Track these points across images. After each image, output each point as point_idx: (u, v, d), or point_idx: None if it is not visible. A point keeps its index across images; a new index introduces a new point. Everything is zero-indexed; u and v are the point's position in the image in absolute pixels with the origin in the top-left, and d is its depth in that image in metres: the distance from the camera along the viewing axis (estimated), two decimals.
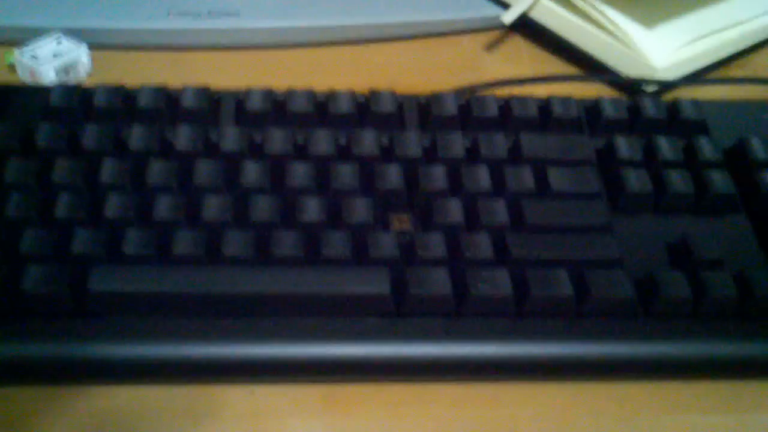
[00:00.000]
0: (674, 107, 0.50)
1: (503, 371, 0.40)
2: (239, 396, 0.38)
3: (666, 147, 0.47)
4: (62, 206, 0.41)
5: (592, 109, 0.50)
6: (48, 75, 0.53)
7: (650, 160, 0.47)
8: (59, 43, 0.54)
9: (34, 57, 0.53)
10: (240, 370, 0.38)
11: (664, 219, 0.46)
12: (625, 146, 0.47)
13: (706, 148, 0.48)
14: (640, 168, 0.46)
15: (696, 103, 0.50)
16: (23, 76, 0.54)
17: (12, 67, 0.54)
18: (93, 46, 0.55)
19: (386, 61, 0.60)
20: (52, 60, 0.53)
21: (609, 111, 0.49)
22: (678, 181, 0.46)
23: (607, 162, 0.47)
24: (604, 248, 0.42)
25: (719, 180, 0.46)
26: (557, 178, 0.45)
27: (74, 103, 0.46)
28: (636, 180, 0.46)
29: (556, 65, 0.61)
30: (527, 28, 0.62)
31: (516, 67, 0.60)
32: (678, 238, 0.44)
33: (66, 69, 0.54)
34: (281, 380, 0.39)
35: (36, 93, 0.48)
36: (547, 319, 0.40)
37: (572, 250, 0.42)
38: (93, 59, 0.55)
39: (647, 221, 0.45)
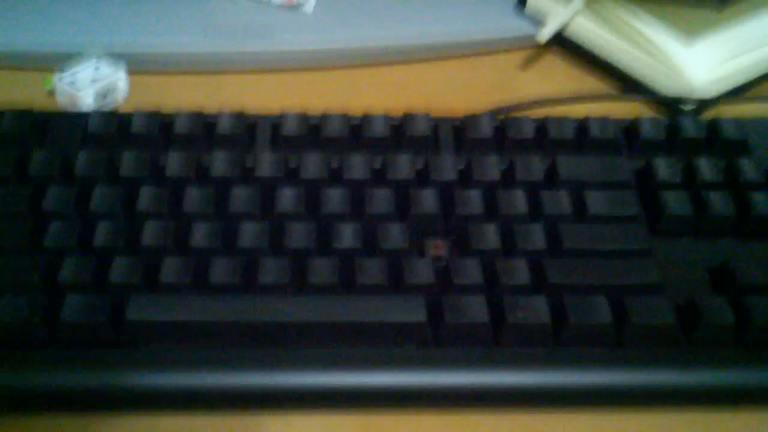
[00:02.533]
0: (714, 126, 0.49)
1: (541, 401, 0.39)
2: (276, 425, 0.38)
3: (706, 168, 0.47)
4: (100, 235, 0.41)
5: (630, 129, 0.49)
6: (86, 100, 0.53)
7: (690, 181, 0.46)
8: (97, 68, 0.55)
9: (72, 83, 0.54)
10: (277, 399, 0.38)
11: (706, 242, 0.45)
12: (664, 167, 0.47)
13: (748, 169, 0.47)
14: (679, 190, 0.46)
15: (737, 122, 0.49)
16: (62, 102, 0.54)
17: (51, 93, 0.55)
18: (130, 70, 0.56)
19: (420, 81, 0.59)
20: (90, 85, 0.54)
21: (647, 131, 0.49)
22: (719, 203, 0.45)
23: (645, 184, 0.47)
24: (644, 273, 0.42)
25: (762, 201, 0.45)
26: (595, 201, 0.44)
27: (112, 129, 0.47)
28: (676, 202, 0.45)
29: (591, 83, 0.60)
30: (562, 45, 0.62)
31: (551, 86, 0.59)
32: (720, 262, 0.43)
33: (104, 94, 0.54)
34: (318, 410, 0.39)
35: (74, 119, 0.49)
36: (585, 347, 0.40)
37: (611, 276, 0.41)
38: (130, 83, 0.55)
39: (688, 245, 0.45)
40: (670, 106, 0.57)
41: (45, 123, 0.48)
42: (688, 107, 0.57)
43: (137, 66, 0.57)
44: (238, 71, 0.59)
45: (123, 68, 0.55)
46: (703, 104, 0.57)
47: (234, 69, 0.59)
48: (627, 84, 0.59)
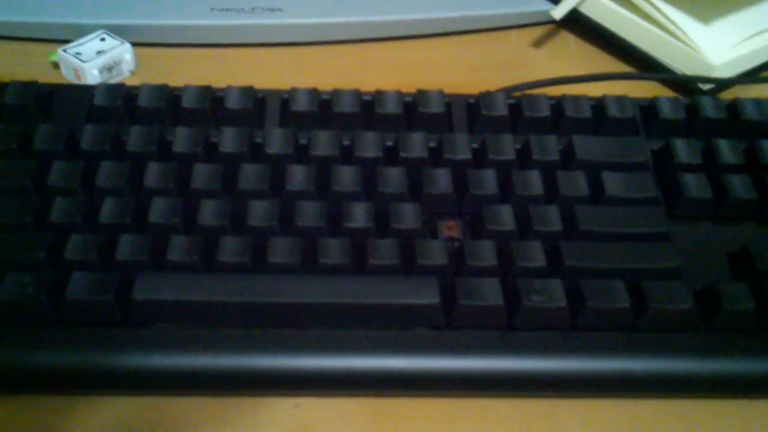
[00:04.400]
0: (734, 107, 0.48)
1: (556, 387, 0.38)
2: (284, 409, 0.38)
3: (726, 150, 0.46)
4: (107, 211, 0.40)
5: (648, 109, 0.48)
6: (92, 73, 0.52)
7: (710, 163, 0.45)
8: (103, 40, 0.54)
9: (78, 54, 0.53)
10: (285, 381, 0.37)
11: (725, 226, 0.44)
12: (683, 149, 0.46)
13: None
14: (699, 172, 0.45)
15: (758, 103, 0.48)
16: (67, 74, 0.53)
17: (56, 65, 0.54)
18: (136, 44, 0.55)
19: (432, 58, 0.58)
20: (95, 58, 0.53)
21: (666, 111, 0.47)
22: (739, 186, 0.44)
23: (664, 165, 0.46)
24: (662, 257, 0.41)
25: None
26: (612, 183, 0.43)
27: (118, 103, 0.46)
28: (695, 185, 0.44)
29: (606, 62, 0.59)
30: (577, 23, 0.60)
31: (566, 65, 0.58)
32: (740, 246, 0.42)
33: (109, 67, 0.53)
34: (327, 393, 0.38)
35: (80, 92, 0.48)
36: (602, 332, 0.39)
37: (628, 260, 0.41)
38: (136, 56, 0.54)
39: (707, 229, 0.44)
40: (688, 86, 0.56)
41: (50, 95, 0.47)
42: (706, 87, 0.56)
43: (144, 39, 0.56)
44: (247, 45, 0.57)
45: (129, 41, 0.54)
46: (722, 84, 0.56)
47: (243, 42, 0.57)
48: (643, 63, 0.58)
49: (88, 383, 0.37)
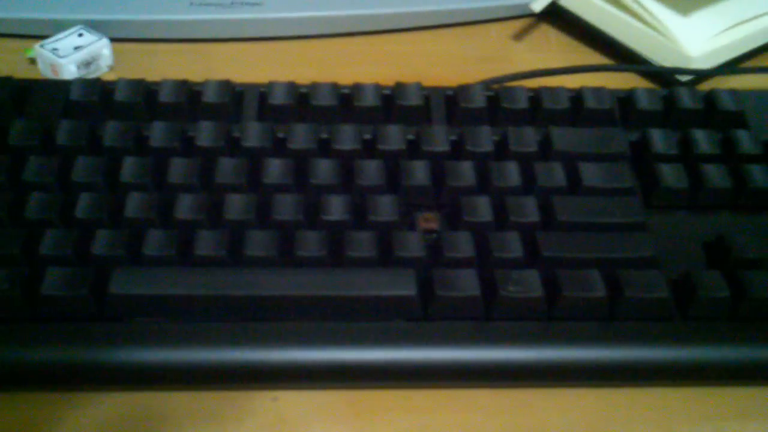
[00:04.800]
0: (711, 98, 0.48)
1: (534, 376, 0.38)
2: (263, 402, 0.38)
3: (703, 140, 0.46)
4: (83, 206, 0.40)
5: (626, 100, 0.48)
6: (69, 69, 0.52)
7: (686, 153, 0.46)
8: (80, 35, 0.54)
9: (55, 50, 0.52)
10: (263, 375, 0.37)
11: (701, 216, 0.44)
12: (660, 139, 0.46)
13: (745, 141, 0.46)
14: (675, 162, 0.45)
15: (734, 93, 0.48)
16: (44, 70, 0.53)
17: (33, 61, 0.53)
18: (114, 39, 0.54)
19: (412, 51, 0.58)
20: (73, 53, 0.52)
21: (643, 102, 0.48)
22: (715, 175, 0.44)
23: (641, 156, 0.46)
24: (639, 247, 0.41)
25: (759, 174, 0.44)
26: (589, 174, 0.44)
27: (95, 98, 0.45)
28: (671, 175, 0.44)
29: (586, 55, 0.59)
30: (557, 16, 0.60)
31: (545, 57, 0.58)
32: (715, 235, 0.42)
33: (87, 62, 0.53)
34: (305, 386, 0.38)
35: (56, 87, 0.47)
36: (579, 322, 0.39)
37: (605, 249, 0.41)
38: (114, 52, 0.54)
39: (683, 218, 0.44)
40: (666, 78, 0.56)
41: (25, 91, 0.47)
42: (684, 79, 0.56)
43: (122, 34, 0.56)
44: (226, 40, 0.57)
45: (107, 36, 0.54)
46: (699, 76, 0.56)
47: (221, 38, 0.57)
48: (622, 55, 0.58)
49: (65, 379, 0.37)
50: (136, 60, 0.55)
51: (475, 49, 0.59)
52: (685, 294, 0.40)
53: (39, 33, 0.54)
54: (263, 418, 0.37)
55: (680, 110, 0.47)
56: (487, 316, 0.39)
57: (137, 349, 0.37)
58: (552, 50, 0.60)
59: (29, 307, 0.37)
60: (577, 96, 0.48)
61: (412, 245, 0.40)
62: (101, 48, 0.53)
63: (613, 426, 0.38)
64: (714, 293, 0.39)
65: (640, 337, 0.39)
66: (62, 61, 0.52)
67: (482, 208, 0.42)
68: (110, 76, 0.54)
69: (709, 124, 0.47)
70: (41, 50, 0.52)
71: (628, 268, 0.40)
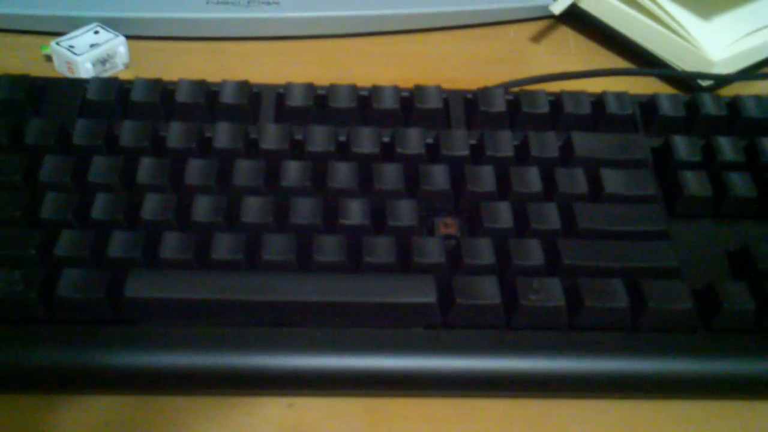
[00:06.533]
0: (735, 104, 0.47)
1: (554, 387, 0.38)
2: (278, 408, 0.37)
3: (727, 147, 0.45)
4: (99, 207, 0.40)
5: (648, 105, 0.48)
6: (85, 66, 0.52)
7: (710, 160, 0.45)
8: (96, 33, 0.53)
9: (71, 47, 0.52)
10: (278, 381, 0.37)
11: (725, 225, 0.43)
12: (683, 146, 0.45)
13: None
14: (698, 169, 0.44)
15: (759, 100, 0.48)
16: (60, 68, 0.52)
17: (49, 58, 0.53)
18: (130, 37, 0.54)
19: (429, 52, 0.58)
20: (89, 51, 0.52)
21: (666, 108, 0.47)
22: (740, 183, 0.43)
23: (663, 163, 0.45)
24: (661, 256, 0.40)
25: None
26: (611, 180, 0.43)
27: (111, 97, 0.45)
28: (694, 182, 0.43)
29: (605, 58, 0.58)
30: (577, 18, 0.60)
31: (564, 60, 0.58)
32: (740, 245, 0.42)
33: (103, 60, 0.52)
34: (321, 393, 0.38)
35: (73, 86, 0.47)
36: (600, 332, 0.38)
37: (627, 258, 0.40)
38: (130, 50, 0.54)
39: (706, 227, 0.43)
40: (687, 82, 0.56)
41: (42, 89, 0.46)
42: (705, 83, 0.55)
43: (139, 31, 0.55)
44: (243, 38, 0.57)
45: (124, 34, 0.53)
46: (721, 81, 0.55)
47: (238, 36, 0.57)
48: (642, 59, 0.57)
49: (79, 382, 0.37)
50: (152, 58, 0.55)
51: (494, 51, 0.58)
52: (709, 305, 0.39)
53: (55, 30, 0.54)
54: (279, 425, 0.37)
55: (704, 116, 0.47)
56: (508, 325, 0.38)
57: (152, 353, 0.37)
58: (571, 53, 0.59)
59: (44, 309, 0.37)
60: (598, 101, 0.47)
61: (432, 251, 0.39)
62: (117, 46, 0.53)
63: None
64: (739, 305, 0.38)
65: (662, 349, 0.38)
66: (78, 58, 0.51)
67: (502, 214, 0.41)
68: (126, 74, 0.53)
69: (733, 131, 0.47)
70: (57, 47, 0.52)
71: (650, 277, 0.39)
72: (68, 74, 0.52)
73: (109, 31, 0.53)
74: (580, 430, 0.37)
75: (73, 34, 0.53)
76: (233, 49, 0.56)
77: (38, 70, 0.49)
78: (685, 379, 0.38)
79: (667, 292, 0.39)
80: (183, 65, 0.54)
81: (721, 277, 0.41)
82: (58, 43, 0.52)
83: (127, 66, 0.54)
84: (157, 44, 0.55)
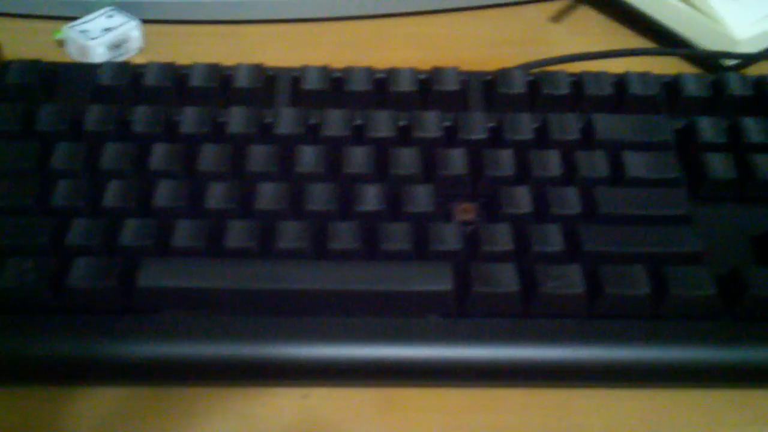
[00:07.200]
0: (762, 84, 0.46)
1: (573, 376, 0.37)
2: (292, 399, 0.37)
3: (753, 128, 0.44)
4: (111, 195, 0.39)
5: (672, 86, 0.47)
6: (98, 51, 0.51)
7: (735, 142, 0.44)
8: (110, 17, 0.53)
9: (84, 32, 0.51)
10: (293, 371, 0.36)
11: (750, 208, 0.42)
12: (707, 127, 0.44)
13: None
14: (723, 152, 0.43)
15: None
16: (72, 52, 0.52)
17: (61, 43, 0.53)
18: (144, 20, 0.53)
19: (447, 33, 0.57)
20: (102, 35, 0.51)
21: (690, 88, 0.46)
22: (766, 165, 0.42)
23: (687, 145, 0.44)
24: (684, 241, 0.39)
25: None
26: (633, 163, 0.42)
27: (124, 82, 0.44)
28: (719, 165, 0.42)
29: (626, 37, 0.57)
30: None
31: (585, 40, 0.57)
32: (765, 229, 0.41)
33: (116, 44, 0.52)
34: (336, 383, 0.37)
35: (85, 71, 0.47)
36: (621, 319, 0.37)
37: (649, 244, 0.39)
38: (144, 34, 0.53)
39: (731, 211, 0.42)
40: (710, 61, 0.54)
41: (54, 74, 0.46)
42: (729, 63, 0.54)
43: (153, 15, 0.55)
44: (257, 21, 0.56)
45: (136, 18, 0.53)
46: (746, 60, 0.54)
47: (254, 19, 0.56)
48: (665, 39, 0.56)
49: (91, 373, 0.36)
50: (166, 42, 0.54)
51: (513, 32, 0.57)
52: (734, 291, 0.38)
53: (68, 14, 0.53)
54: (293, 416, 0.36)
55: (729, 97, 0.45)
56: (526, 313, 0.37)
57: (164, 343, 0.36)
58: (592, 33, 0.58)
59: (56, 298, 0.36)
60: (620, 81, 0.46)
61: (449, 238, 0.38)
62: (131, 30, 0.52)
63: (656, 429, 0.36)
64: (764, 291, 0.37)
65: (685, 337, 0.37)
66: (92, 43, 0.51)
67: (522, 199, 0.40)
68: (140, 59, 0.53)
69: (759, 112, 0.45)
70: (70, 32, 0.51)
71: (673, 263, 0.38)
72: (81, 59, 0.51)
73: (122, 15, 0.53)
74: (600, 420, 0.37)
75: (86, 18, 0.52)
76: (247, 32, 0.55)
77: (51, 56, 0.49)
78: (708, 368, 0.37)
79: (690, 279, 0.38)
80: (197, 49, 0.54)
81: (745, 263, 0.40)
82: (71, 28, 0.52)
83: (140, 50, 0.53)
84: (171, 28, 0.55)
